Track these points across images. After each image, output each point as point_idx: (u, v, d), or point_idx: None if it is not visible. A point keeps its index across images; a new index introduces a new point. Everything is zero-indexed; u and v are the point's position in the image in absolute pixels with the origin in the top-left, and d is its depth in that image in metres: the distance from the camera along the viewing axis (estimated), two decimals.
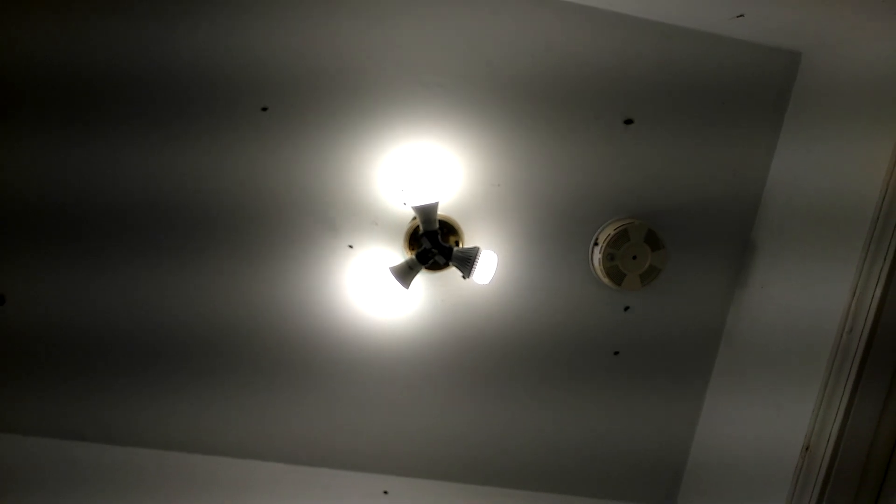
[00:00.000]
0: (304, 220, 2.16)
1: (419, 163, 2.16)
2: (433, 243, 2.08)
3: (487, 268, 2.08)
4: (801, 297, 2.04)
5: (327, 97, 2.08)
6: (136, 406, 2.22)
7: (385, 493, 2.24)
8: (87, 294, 2.14)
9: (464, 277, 2.14)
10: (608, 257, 2.22)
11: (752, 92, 2.22)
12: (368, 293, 2.22)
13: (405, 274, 2.08)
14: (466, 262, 2.07)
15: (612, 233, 2.21)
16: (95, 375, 2.19)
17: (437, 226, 2.08)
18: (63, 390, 2.17)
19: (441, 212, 2.17)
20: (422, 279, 2.23)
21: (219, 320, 2.19)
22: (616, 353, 2.37)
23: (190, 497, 2.02)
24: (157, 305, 2.16)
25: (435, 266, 2.19)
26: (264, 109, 2.06)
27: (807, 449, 1.90)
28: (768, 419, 2.09)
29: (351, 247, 2.17)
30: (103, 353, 2.19)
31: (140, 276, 2.14)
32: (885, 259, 1.76)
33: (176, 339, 2.19)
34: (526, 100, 2.16)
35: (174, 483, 2.12)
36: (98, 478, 2.14)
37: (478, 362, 2.32)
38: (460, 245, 2.22)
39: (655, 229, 2.23)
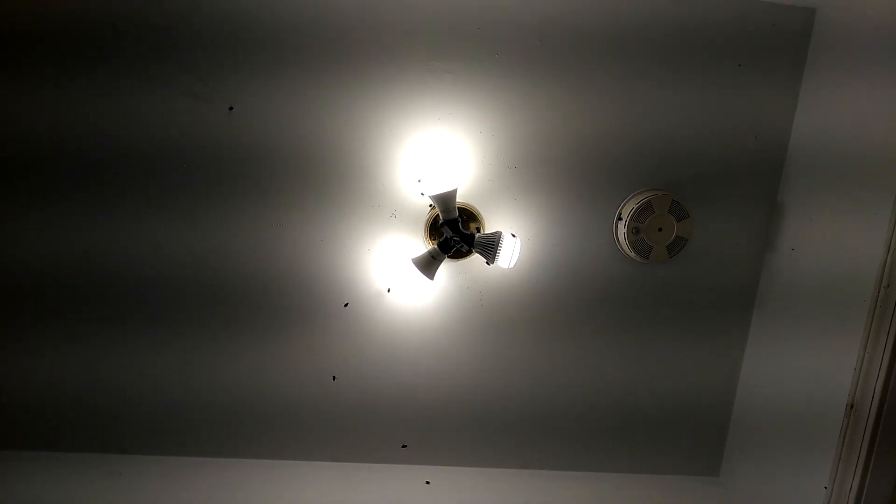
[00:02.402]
0: (322, 217, 2.15)
1: (434, 151, 2.14)
2: (454, 231, 2.06)
3: (511, 252, 2.06)
4: (835, 253, 2.01)
5: (337, 93, 2.06)
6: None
7: (427, 483, 2.24)
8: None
9: (488, 263, 2.12)
10: (633, 231, 2.18)
11: (770, 49, 2.17)
12: (393, 287, 2.21)
13: (429, 265, 2.07)
14: (489, 247, 2.05)
15: (636, 206, 2.17)
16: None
17: (457, 214, 2.06)
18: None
19: (459, 199, 2.15)
20: (445, 269, 2.22)
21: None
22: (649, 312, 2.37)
23: (240, 499, 2.05)
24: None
25: (458, 254, 2.18)
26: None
27: (851, 407, 1.88)
28: (809, 376, 2.07)
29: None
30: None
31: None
32: None
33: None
34: (536, 77, 2.12)
35: (213, 487, 2.14)
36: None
37: (509, 348, 2.31)
38: (481, 231, 2.20)
39: (679, 199, 2.19)
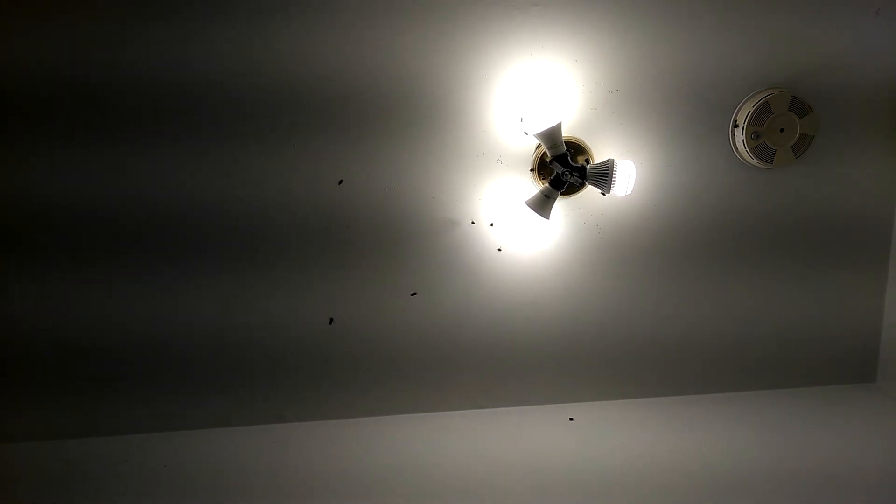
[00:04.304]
0: (429, 173, 2.15)
1: (531, 89, 2.10)
2: (564, 166, 2.03)
3: (626, 178, 2.00)
4: None
5: (423, 46, 2.05)
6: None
7: (570, 419, 2.26)
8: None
9: (603, 194, 2.08)
10: (752, 136, 2.07)
11: None
12: (511, 232, 2.20)
13: (543, 204, 2.05)
14: (603, 177, 2.01)
15: (752, 109, 2.05)
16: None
17: (565, 148, 2.03)
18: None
19: (563, 132, 2.10)
20: (560, 206, 2.19)
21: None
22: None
23: (404, 448, 2.15)
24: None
25: (571, 189, 2.14)
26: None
27: None
28: None
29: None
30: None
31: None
32: None
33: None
34: None
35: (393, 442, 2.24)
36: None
37: (634, 278, 2.27)
38: (591, 162, 2.15)
39: (799, 95, 2.05)
